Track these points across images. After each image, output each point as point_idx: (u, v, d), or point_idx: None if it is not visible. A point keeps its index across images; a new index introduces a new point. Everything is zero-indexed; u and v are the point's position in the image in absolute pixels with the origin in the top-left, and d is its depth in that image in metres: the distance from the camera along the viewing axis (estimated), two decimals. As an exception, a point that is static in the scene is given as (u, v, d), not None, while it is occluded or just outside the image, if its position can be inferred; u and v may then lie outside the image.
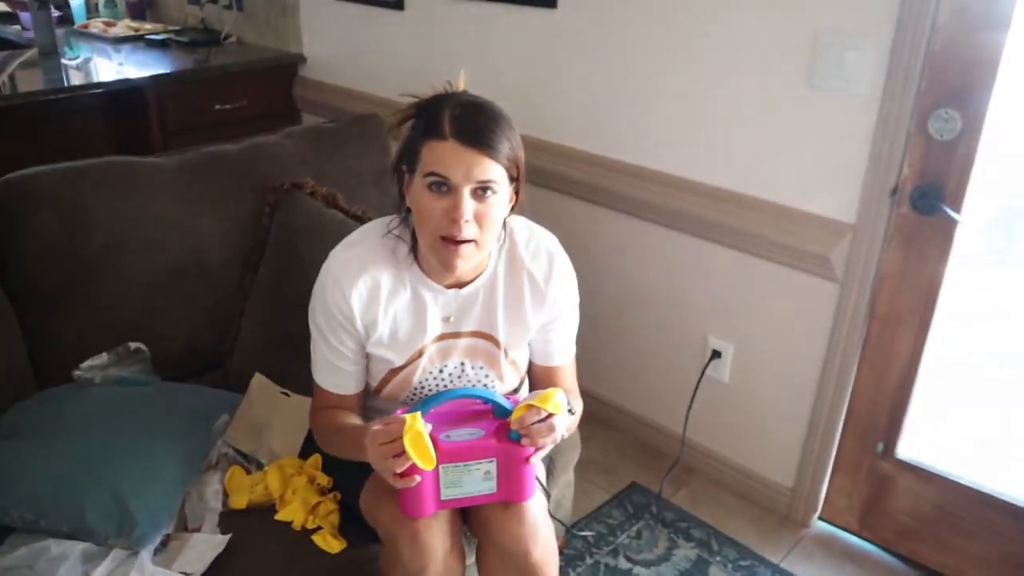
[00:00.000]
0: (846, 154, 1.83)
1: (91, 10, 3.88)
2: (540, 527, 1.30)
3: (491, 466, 1.23)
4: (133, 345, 1.65)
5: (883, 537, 2.10)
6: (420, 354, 1.38)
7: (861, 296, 1.90)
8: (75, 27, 3.59)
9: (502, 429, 1.25)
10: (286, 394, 1.62)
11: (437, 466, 1.20)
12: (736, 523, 2.17)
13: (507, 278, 1.38)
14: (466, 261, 1.25)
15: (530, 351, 1.48)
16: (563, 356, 1.49)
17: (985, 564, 1.94)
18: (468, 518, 1.35)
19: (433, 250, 1.26)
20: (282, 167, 1.82)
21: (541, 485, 1.37)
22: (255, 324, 1.74)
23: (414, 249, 1.34)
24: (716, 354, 2.19)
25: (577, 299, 1.47)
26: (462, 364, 1.41)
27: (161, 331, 1.70)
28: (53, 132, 2.70)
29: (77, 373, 1.57)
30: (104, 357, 1.61)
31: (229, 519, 1.41)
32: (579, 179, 2.27)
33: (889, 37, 1.70)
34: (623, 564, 2.00)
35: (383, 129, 2.01)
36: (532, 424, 1.21)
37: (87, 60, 3.10)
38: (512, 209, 1.33)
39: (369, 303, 1.33)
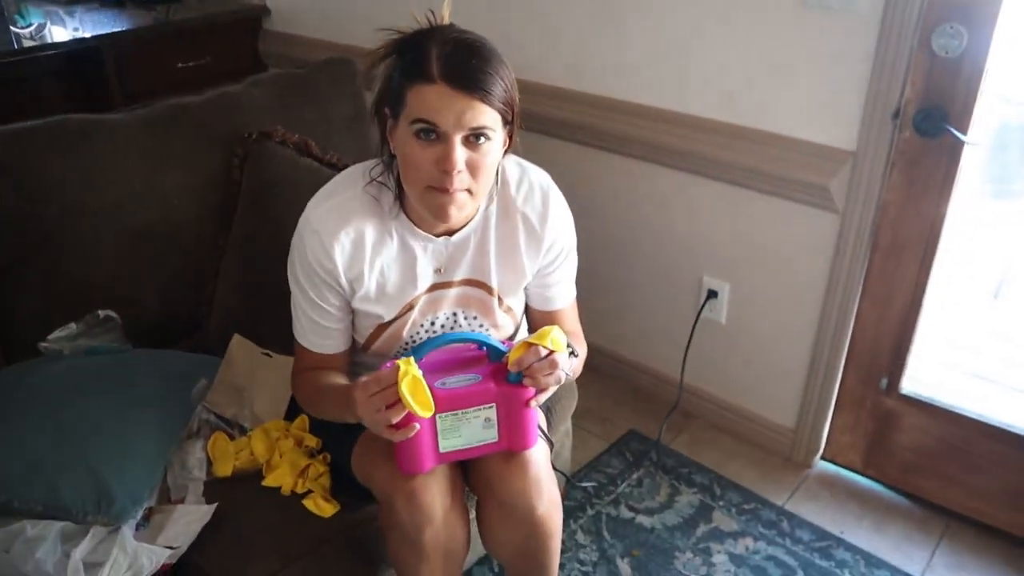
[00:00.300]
0: (844, 76, 1.74)
1: (40, -29, 3.69)
2: (543, 479, 1.23)
3: (491, 412, 1.16)
4: (102, 313, 1.55)
5: (888, 475, 2.06)
6: (411, 307, 1.29)
7: (863, 226, 1.83)
8: (24, -11, 3.41)
9: (500, 372, 1.17)
10: (268, 355, 1.54)
11: (434, 416, 1.12)
12: (737, 466, 2.12)
13: (500, 222, 1.29)
14: (460, 209, 1.16)
15: (528, 297, 1.40)
16: (564, 299, 1.41)
17: (993, 497, 1.90)
18: (468, 474, 1.28)
19: (423, 200, 1.16)
20: (250, 117, 1.72)
21: (543, 434, 1.30)
22: (231, 284, 1.65)
23: (400, 197, 1.24)
24: (712, 294, 2.12)
25: (575, 238, 1.39)
26: (454, 314, 1.33)
27: (132, 297, 1.61)
28: (5, 100, 2.56)
29: (44, 345, 1.47)
30: (72, 327, 1.52)
31: (214, 488, 1.34)
32: (560, 118, 2.17)
33: (887, -51, 1.60)
34: (625, 513, 1.94)
35: (355, 72, 1.90)
36: (532, 363, 1.14)
37: (40, 26, 2.93)
38: (505, 152, 1.23)
39: (353, 257, 1.23)
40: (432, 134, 1.10)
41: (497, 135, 1.14)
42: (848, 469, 2.11)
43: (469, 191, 1.14)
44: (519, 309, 1.40)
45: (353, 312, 1.31)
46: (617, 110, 2.09)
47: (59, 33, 2.85)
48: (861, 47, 1.70)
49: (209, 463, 1.36)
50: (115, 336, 1.55)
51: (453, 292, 1.31)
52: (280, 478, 1.33)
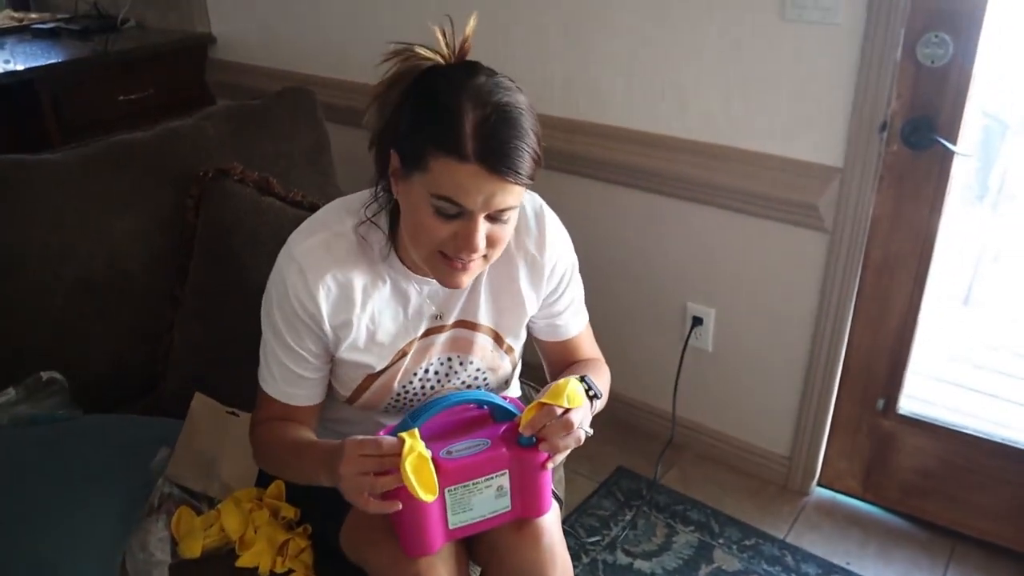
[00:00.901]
0: (828, 90, 1.68)
1: (-33, 4, 3.50)
2: (556, 546, 1.12)
3: (503, 480, 1.04)
4: (46, 375, 1.40)
5: (888, 498, 1.98)
6: (404, 354, 1.17)
7: (854, 244, 1.76)
8: (-51, 23, 3.22)
9: (509, 433, 1.06)
10: (234, 414, 1.40)
11: (443, 491, 1.00)
12: (733, 499, 2.03)
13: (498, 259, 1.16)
14: (471, 276, 1.06)
15: (537, 331, 1.29)
16: (576, 324, 1.30)
17: (999, 515, 1.84)
18: (472, 544, 1.16)
19: (430, 263, 1.05)
20: (202, 154, 1.58)
21: (554, 494, 1.18)
22: (189, 337, 1.51)
23: (392, 237, 1.12)
24: (697, 321, 2.03)
25: (575, 257, 1.28)
26: (448, 359, 1.21)
27: (78, 356, 1.46)
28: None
29: (-22, 416, 1.32)
30: (11, 393, 1.36)
31: (181, 572, 1.19)
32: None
33: (869, -42, 1.54)
34: (622, 559, 1.83)
35: (315, 103, 1.78)
36: (546, 425, 1.03)
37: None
38: None
39: (340, 302, 1.10)
40: (455, 211, 0.99)
41: (520, 203, 1.05)
42: (847, 495, 2.03)
43: (484, 257, 1.05)
44: (518, 349, 1.28)
45: (335, 362, 1.18)
46: (590, 133, 2.00)
47: (-9, 66, 2.68)
48: (844, 59, 1.64)
49: (174, 543, 1.21)
50: (60, 401, 1.40)
51: (445, 336, 1.20)
52: (256, 557, 1.19)
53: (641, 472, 2.10)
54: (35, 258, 1.43)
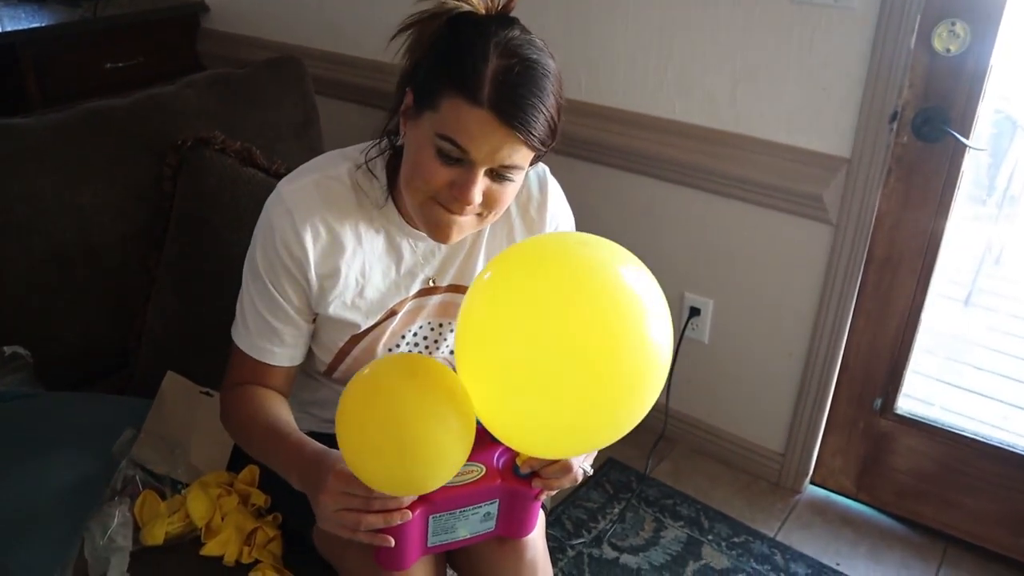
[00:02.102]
0: (838, 78, 1.61)
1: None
2: (539, 561, 1.07)
3: (492, 507, 0.99)
4: (9, 350, 1.34)
5: (882, 499, 1.94)
6: (392, 314, 1.10)
7: (858, 238, 1.70)
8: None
9: (504, 460, 0.99)
10: (207, 393, 1.34)
11: (427, 515, 0.94)
12: (724, 494, 1.98)
13: (496, 223, 1.12)
14: (463, 231, 1.01)
15: None
16: None
17: (993, 521, 1.79)
18: (450, 553, 1.10)
19: (422, 210, 1.00)
20: (183, 122, 1.51)
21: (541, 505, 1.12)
22: (163, 312, 1.44)
23: (391, 187, 1.06)
24: (695, 312, 1.97)
25: (572, 217, 1.24)
26: (440, 324, 1.15)
27: (45, 331, 1.40)
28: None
29: (-64, 391, 1.25)
30: (-28, 367, 1.30)
31: (143, 559, 1.12)
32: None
33: (886, -62, 1.48)
34: (609, 553, 1.78)
35: (304, 73, 1.71)
36: (545, 467, 0.98)
37: (-52, 20, 2.68)
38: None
39: (329, 249, 1.03)
40: (458, 155, 0.94)
41: (524, 169, 1.00)
42: (839, 494, 1.99)
43: (479, 215, 1.00)
44: None
45: (318, 323, 1.10)
46: (588, 114, 1.93)
47: (-35, 26, 2.60)
48: (855, 46, 1.58)
49: (136, 529, 1.15)
50: (23, 377, 1.34)
51: (436, 300, 1.13)
52: (222, 545, 1.13)
53: (632, 465, 2.04)
54: (3, 228, 1.36)
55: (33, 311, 1.39)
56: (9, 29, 2.42)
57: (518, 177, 0.98)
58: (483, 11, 0.97)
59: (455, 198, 0.95)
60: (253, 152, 1.46)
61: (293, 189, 1.03)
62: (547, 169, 1.18)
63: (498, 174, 0.96)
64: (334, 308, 1.07)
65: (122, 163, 1.46)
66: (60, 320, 1.43)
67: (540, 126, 0.93)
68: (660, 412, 2.07)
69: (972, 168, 1.66)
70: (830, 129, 1.65)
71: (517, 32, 0.97)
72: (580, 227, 2.01)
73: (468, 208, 0.96)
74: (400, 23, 0.99)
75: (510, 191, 0.99)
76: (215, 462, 1.26)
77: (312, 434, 1.05)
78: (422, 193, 0.98)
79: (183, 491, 1.20)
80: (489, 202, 0.98)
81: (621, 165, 1.94)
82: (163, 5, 2.76)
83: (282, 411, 1.09)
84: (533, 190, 1.15)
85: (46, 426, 1.20)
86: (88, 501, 1.13)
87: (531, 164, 1.03)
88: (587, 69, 1.91)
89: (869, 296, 1.78)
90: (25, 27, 2.44)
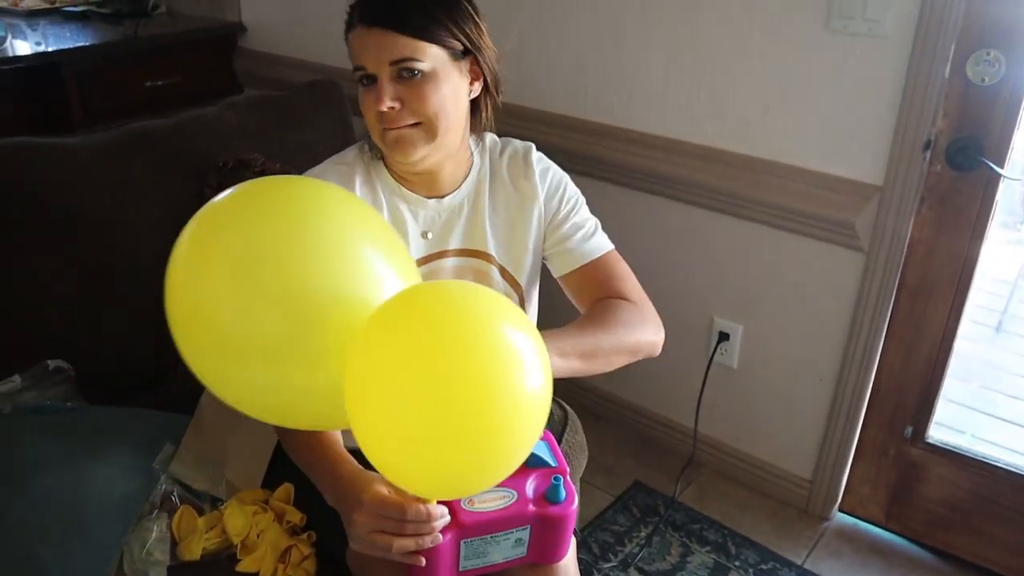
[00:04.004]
0: (871, 105, 1.62)
1: (0, -16, 3.50)
2: None
3: (524, 533, 0.99)
4: (52, 363, 1.37)
5: (912, 528, 1.91)
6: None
7: (890, 265, 1.70)
8: (-19, 1, 3.22)
9: (538, 485, 1.00)
10: (243, 412, 1.36)
11: (458, 540, 0.95)
12: (751, 520, 1.97)
13: (491, 188, 1.23)
14: (415, 145, 1.10)
15: (558, 268, 1.26)
16: (593, 248, 1.25)
17: (1027, 553, 1.77)
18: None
19: (383, 141, 1.12)
20: (224, 143, 1.55)
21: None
22: (201, 330, 1.47)
23: (385, 159, 1.20)
24: (724, 337, 1.97)
25: (575, 189, 1.29)
26: None
27: (86, 344, 1.43)
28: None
29: (-18, 402, 1.28)
30: (16, 380, 1.33)
31: (180, 574, 1.15)
32: (561, 147, 2.00)
33: (922, -31, 1.48)
34: (635, 577, 1.78)
35: (342, 96, 1.74)
36: None
37: (1, 39, 2.75)
38: (486, 89, 1.16)
39: None
40: (366, 78, 1.08)
41: (435, 66, 1.07)
42: (869, 522, 1.97)
43: (420, 124, 1.09)
44: (526, 284, 1.28)
45: None
46: (620, 138, 1.95)
47: (21, 47, 2.67)
48: (889, 74, 1.58)
49: (174, 544, 1.17)
50: (66, 390, 1.37)
51: (449, 263, 1.21)
52: (257, 562, 1.15)
53: (658, 488, 2.04)
54: (47, 243, 1.40)
55: (75, 325, 1.43)
56: (54, 48, 2.48)
57: (430, 72, 1.06)
58: None
59: (380, 112, 1.06)
60: (292, 174, 1.48)
61: (311, 175, 1.17)
62: (531, 145, 1.28)
63: (400, 73, 1.06)
64: None
65: (164, 182, 1.50)
66: (101, 335, 1.46)
67: (409, 14, 1.05)
68: (688, 436, 2.07)
69: (1006, 195, 1.66)
70: (863, 157, 1.65)
71: None
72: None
73: (395, 116, 1.06)
74: None
75: (429, 89, 1.07)
76: (251, 479, 1.28)
77: (350, 450, 1.07)
78: (374, 129, 1.11)
79: (220, 507, 1.22)
80: (414, 106, 1.07)
81: (652, 189, 1.95)
82: (202, 26, 2.82)
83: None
84: (520, 163, 1.25)
85: (89, 440, 1.22)
86: (129, 515, 1.15)
87: (466, 66, 1.12)
88: (620, 94, 1.93)
89: (901, 323, 1.77)
90: (69, 46, 2.50)
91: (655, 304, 2.08)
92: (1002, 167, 1.56)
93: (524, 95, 2.05)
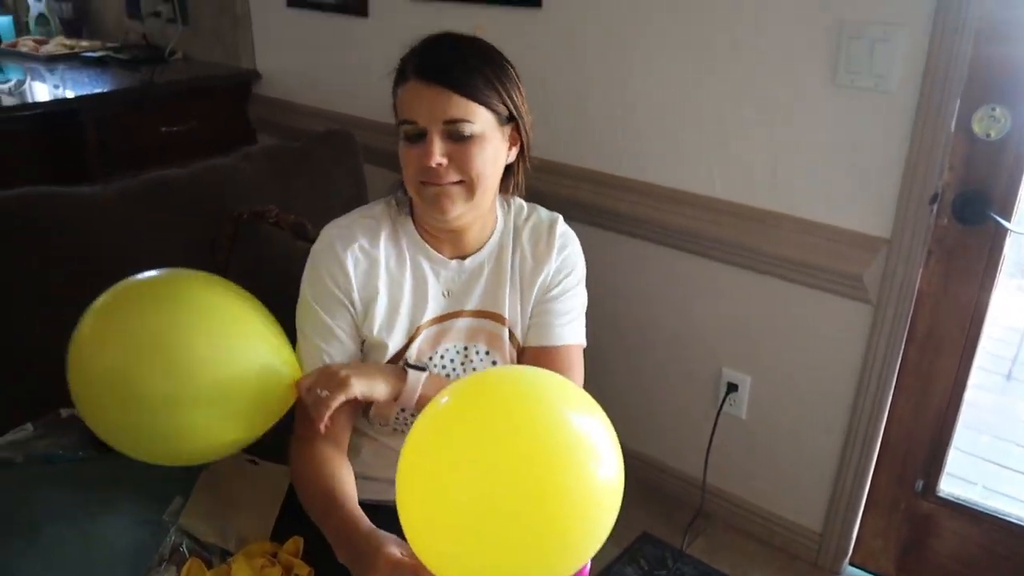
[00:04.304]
0: (878, 159, 1.63)
1: (21, 29, 3.59)
2: None
3: None
4: (65, 412, 1.37)
5: (925, 583, 1.89)
6: (416, 335, 1.20)
7: (898, 318, 1.70)
8: (2, 46, 3.29)
9: None
10: (253, 462, 1.37)
11: None
12: (760, 573, 1.95)
13: (513, 251, 1.25)
14: (454, 202, 1.11)
15: (527, 332, 1.26)
16: (568, 335, 1.25)
17: (1042, 610, 1.75)
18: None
19: (420, 196, 1.13)
20: (240, 194, 1.57)
21: None
22: (212, 379, 1.48)
23: (414, 217, 1.21)
24: (732, 387, 1.97)
25: (583, 273, 1.30)
26: (464, 348, 1.23)
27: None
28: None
29: (-7, 452, 1.29)
30: (29, 429, 1.33)
31: (187, 628, 1.14)
32: (571, 197, 2.04)
33: (925, 28, 1.51)
34: (643, 631, 1.76)
35: (356, 147, 1.77)
36: None
37: (19, 83, 2.82)
38: (520, 157, 1.20)
39: (369, 272, 1.17)
40: (416, 132, 1.09)
41: (487, 130, 1.10)
42: (879, 576, 1.95)
43: (463, 183, 1.11)
44: (524, 345, 1.28)
45: (363, 348, 1.22)
46: (629, 189, 1.97)
47: (40, 90, 2.74)
48: (896, 128, 1.60)
49: (182, 597, 1.17)
50: (79, 439, 1.36)
51: (463, 323, 1.23)
52: (264, 616, 1.15)
53: (667, 539, 2.03)
54: (64, 291, 1.41)
55: (89, 374, 1.43)
56: (72, 94, 2.53)
57: (479, 134, 1.08)
58: None
59: (428, 167, 1.07)
60: (306, 226, 1.50)
61: (335, 226, 1.20)
62: (558, 216, 1.30)
63: (452, 133, 1.07)
64: (376, 329, 1.18)
65: (180, 232, 1.52)
66: (113, 383, 1.47)
67: (467, 76, 1.07)
68: (697, 487, 2.06)
69: (1014, 248, 1.66)
70: (870, 209, 1.67)
71: (446, 32, 1.14)
72: (621, 298, 2.04)
73: (442, 172, 1.08)
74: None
75: (476, 150, 1.09)
76: (260, 531, 1.28)
77: (364, 506, 1.08)
78: (413, 181, 1.12)
79: (228, 560, 1.22)
80: (460, 165, 1.09)
81: (661, 240, 1.96)
82: (218, 72, 2.88)
83: (342, 474, 1.15)
84: (543, 228, 1.27)
85: (100, 490, 1.22)
86: (139, 567, 1.15)
87: (508, 132, 1.15)
88: (627, 146, 1.96)
89: (909, 375, 1.77)
90: (88, 91, 2.55)
91: (665, 352, 2.09)
92: (1009, 220, 1.57)
93: (534, 145, 2.07)
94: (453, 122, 1.07)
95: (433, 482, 0.81)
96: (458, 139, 1.08)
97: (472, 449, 0.80)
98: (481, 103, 1.08)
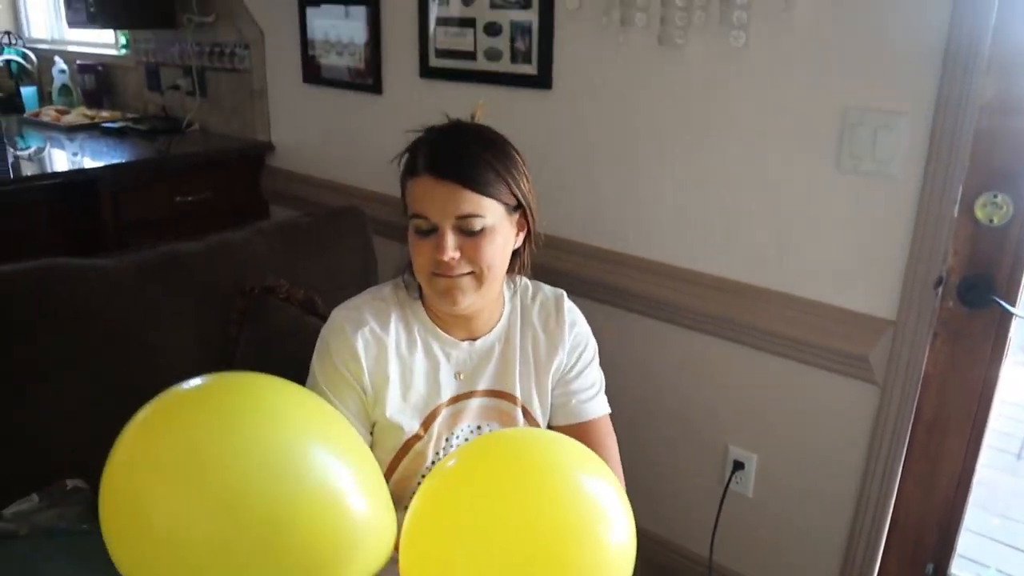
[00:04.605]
0: (882, 242, 1.65)
1: (45, 98, 3.69)
2: None
3: None
4: (71, 483, 1.38)
5: (937, 671, 1.85)
6: (433, 418, 1.21)
7: (905, 400, 1.70)
8: (26, 115, 3.38)
9: None
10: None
11: None
12: (769, 658, 1.90)
13: (521, 331, 1.28)
14: (465, 293, 1.14)
15: (555, 415, 1.30)
16: (595, 409, 1.31)
17: None
18: None
19: (431, 287, 1.15)
20: (251, 268, 1.60)
21: None
22: (218, 453, 1.48)
23: (424, 300, 1.23)
24: (738, 465, 1.96)
25: (595, 345, 1.34)
26: (478, 428, 1.25)
27: (102, 462, 1.43)
28: (-7, 228, 2.45)
29: (-2, 525, 1.29)
30: (34, 500, 1.33)
31: None
32: (579, 274, 2.06)
33: (927, 116, 1.54)
34: None
35: (365, 223, 1.80)
36: None
37: (39, 149, 2.89)
38: (527, 240, 1.22)
39: (379, 356, 1.17)
40: (427, 226, 1.11)
41: (498, 221, 1.13)
42: (890, 664, 1.90)
43: (473, 274, 1.13)
44: (544, 424, 1.31)
45: (375, 429, 1.21)
46: (636, 267, 2.00)
47: (59, 158, 2.80)
48: (899, 213, 1.62)
49: None
50: (83, 511, 1.37)
51: (476, 403, 1.24)
52: None
53: (672, 621, 1.99)
54: (74, 361, 1.43)
55: (96, 445, 1.43)
56: (90, 166, 2.60)
57: (493, 227, 1.11)
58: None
59: (439, 259, 1.09)
60: (316, 302, 1.53)
61: (344, 309, 1.21)
62: (563, 293, 1.34)
63: (465, 228, 1.10)
64: (389, 412, 1.18)
65: (191, 306, 1.54)
66: (119, 455, 1.47)
67: (478, 171, 1.08)
68: (703, 566, 2.03)
69: (1020, 328, 1.67)
70: (875, 291, 1.68)
71: (458, 122, 1.16)
72: (625, 373, 2.04)
73: (453, 266, 1.10)
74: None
75: (486, 243, 1.11)
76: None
77: None
78: (424, 272, 1.14)
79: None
80: (472, 258, 1.10)
81: (667, 318, 1.98)
82: (233, 145, 2.94)
83: None
84: (551, 306, 1.30)
85: (102, 566, 1.22)
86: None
87: (517, 219, 1.17)
88: (635, 224, 1.99)
89: (918, 457, 1.75)
90: (105, 162, 2.62)
91: (670, 429, 2.09)
92: (1013, 305, 1.58)
93: (542, 222, 2.11)
94: (465, 217, 1.09)
95: (437, 550, 0.79)
96: (469, 233, 1.10)
97: (478, 514, 0.79)
98: (492, 197, 1.11)
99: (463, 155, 1.10)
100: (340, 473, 0.84)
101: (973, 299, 1.62)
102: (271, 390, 0.90)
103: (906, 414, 1.71)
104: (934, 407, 1.71)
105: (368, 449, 0.97)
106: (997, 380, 1.65)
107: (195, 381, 0.91)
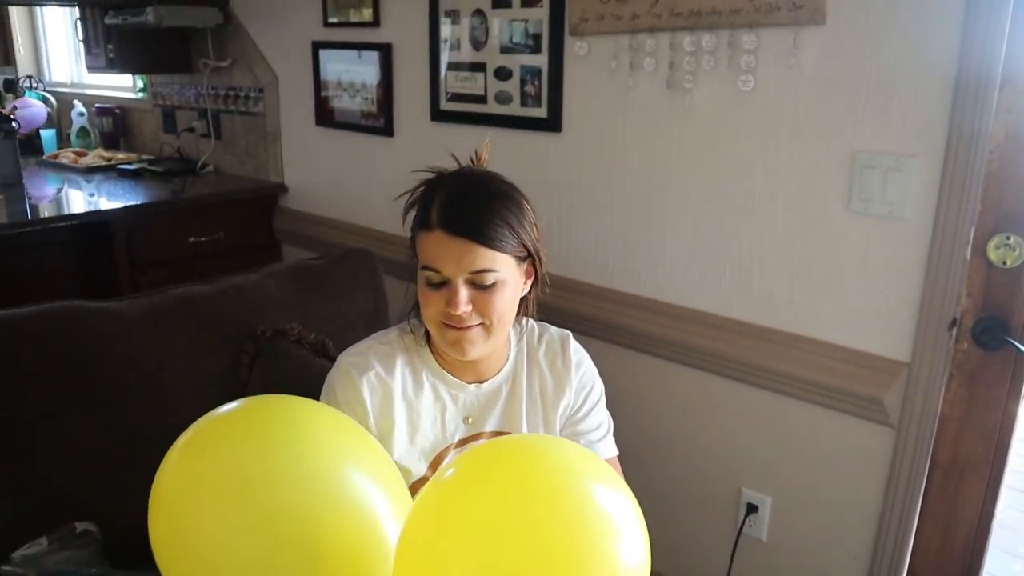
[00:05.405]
0: (895, 284, 1.65)
1: (64, 140, 3.75)
2: None
3: None
4: (80, 526, 1.37)
5: None
6: (441, 460, 1.21)
7: (920, 442, 1.68)
8: (45, 157, 3.44)
9: None
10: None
11: None
12: None
13: (528, 373, 1.29)
14: (475, 344, 1.15)
15: None
16: (606, 447, 1.33)
17: None
18: None
19: (440, 335, 1.16)
20: (263, 311, 1.61)
21: None
22: (228, 496, 1.48)
23: (430, 343, 1.23)
24: (752, 508, 1.93)
25: (601, 386, 1.34)
26: None
27: (115, 508, 1.43)
28: (10, 269, 2.47)
29: (7, 569, 1.28)
30: (43, 543, 1.33)
31: None
32: (591, 316, 2.06)
33: (937, 159, 1.55)
34: None
35: (375, 265, 1.81)
36: None
37: (57, 190, 2.93)
38: (534, 286, 1.22)
39: (384, 400, 1.18)
40: (439, 279, 1.11)
41: (508, 274, 1.14)
42: None
43: (483, 325, 1.14)
44: None
45: None
46: (647, 308, 1.99)
47: (76, 200, 2.84)
48: (912, 254, 1.62)
49: None
50: (91, 554, 1.36)
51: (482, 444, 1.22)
52: None
53: (686, 669, 1.95)
54: (86, 403, 1.43)
55: (107, 488, 1.44)
56: (106, 207, 2.62)
57: (504, 280, 1.12)
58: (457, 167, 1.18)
59: (450, 311, 1.10)
60: (326, 344, 1.53)
61: (351, 355, 1.22)
62: (568, 334, 1.34)
63: (477, 283, 1.11)
64: (396, 455, 1.19)
65: (203, 348, 1.55)
66: (129, 496, 1.46)
67: (491, 227, 1.09)
68: (714, 611, 2.00)
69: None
70: (889, 333, 1.67)
71: (472, 168, 1.16)
72: (638, 415, 2.03)
73: (465, 318, 1.11)
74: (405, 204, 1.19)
75: (498, 296, 1.12)
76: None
77: None
78: (434, 322, 1.14)
79: None
80: (483, 310, 1.12)
81: (679, 359, 1.97)
82: (246, 186, 2.97)
83: None
84: (557, 347, 1.31)
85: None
86: None
87: (525, 267, 1.18)
88: (647, 266, 1.99)
89: (935, 501, 1.73)
90: (121, 204, 2.65)
91: (682, 472, 2.07)
92: (1030, 348, 1.56)
93: (553, 263, 2.11)
94: (478, 272, 1.10)
95: (431, 561, 0.73)
96: (481, 287, 1.11)
97: (477, 526, 0.72)
98: (504, 251, 1.12)
99: (476, 211, 1.10)
100: (375, 495, 0.89)
101: (988, 341, 1.60)
102: (310, 413, 0.95)
103: (922, 457, 1.69)
104: (951, 449, 1.69)
105: (398, 472, 0.99)
106: (1015, 421, 1.63)
107: (234, 405, 0.94)
